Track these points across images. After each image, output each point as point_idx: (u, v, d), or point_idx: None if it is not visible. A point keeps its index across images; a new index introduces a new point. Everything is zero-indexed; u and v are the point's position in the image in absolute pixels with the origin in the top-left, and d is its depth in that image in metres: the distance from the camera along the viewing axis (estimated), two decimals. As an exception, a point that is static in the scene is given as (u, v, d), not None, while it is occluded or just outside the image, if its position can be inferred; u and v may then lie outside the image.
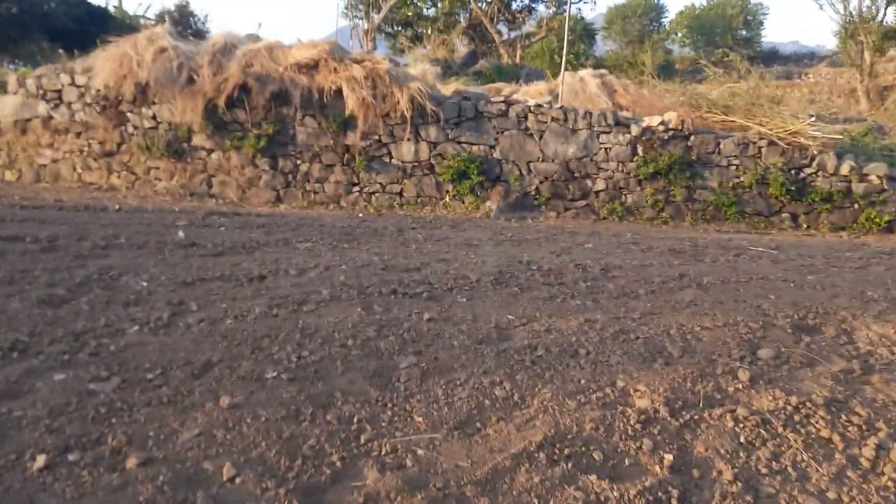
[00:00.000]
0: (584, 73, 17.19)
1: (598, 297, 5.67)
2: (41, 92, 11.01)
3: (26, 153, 11.05)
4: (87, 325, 4.16)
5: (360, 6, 26.72)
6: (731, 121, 12.15)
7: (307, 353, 3.93)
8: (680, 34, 49.90)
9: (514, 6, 29.06)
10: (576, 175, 11.52)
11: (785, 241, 9.34)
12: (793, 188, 11.36)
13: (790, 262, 7.56)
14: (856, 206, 11.34)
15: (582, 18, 33.95)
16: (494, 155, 11.42)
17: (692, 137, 11.53)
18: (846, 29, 34.86)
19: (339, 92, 10.73)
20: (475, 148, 11.38)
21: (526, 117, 11.40)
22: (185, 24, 34.78)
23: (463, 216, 10.77)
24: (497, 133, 11.41)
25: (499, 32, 26.28)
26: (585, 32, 33.56)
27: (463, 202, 11.38)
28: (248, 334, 4.13)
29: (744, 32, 50.04)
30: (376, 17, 20.71)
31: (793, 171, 11.51)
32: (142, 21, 22.66)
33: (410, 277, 5.64)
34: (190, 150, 10.98)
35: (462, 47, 24.96)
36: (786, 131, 11.55)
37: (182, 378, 3.48)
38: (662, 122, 11.52)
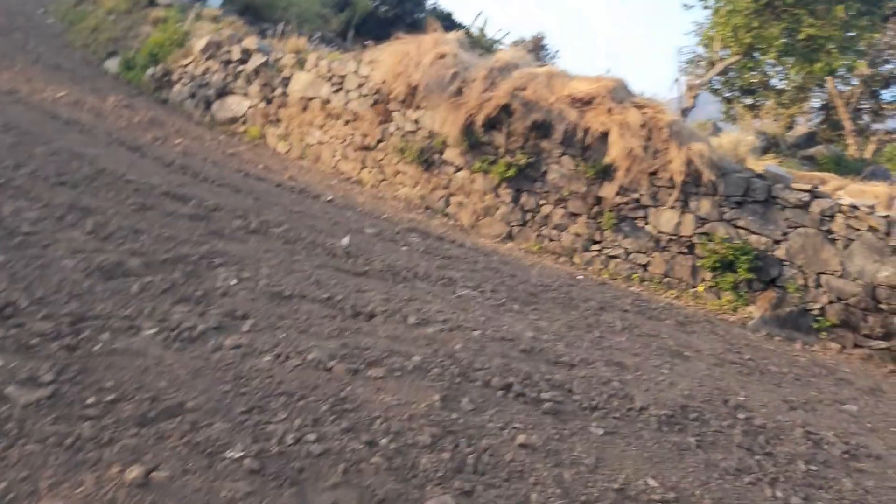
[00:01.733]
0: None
1: (815, 495, 3.72)
2: (330, 75, 11.41)
3: (301, 129, 11.53)
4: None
5: (702, 62, 24.82)
6: None
7: (313, 437, 2.82)
8: None
9: (883, 95, 24.72)
10: (882, 307, 8.77)
11: None
12: None
13: None
14: None
15: None
16: (777, 253, 9.17)
17: None
18: None
19: (606, 135, 9.43)
20: (754, 238, 9.24)
21: (832, 217, 8.97)
22: (535, 55, 35.92)
23: (710, 314, 8.76)
24: (788, 227, 9.14)
25: (853, 120, 22.43)
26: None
27: (719, 297, 9.32)
28: (276, 382, 3.15)
29: None
30: (707, 74, 18.79)
31: None
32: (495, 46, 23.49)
33: (549, 374, 4.21)
34: (440, 162, 10.51)
35: (802, 127, 21.76)
36: None
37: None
38: None
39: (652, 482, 3.32)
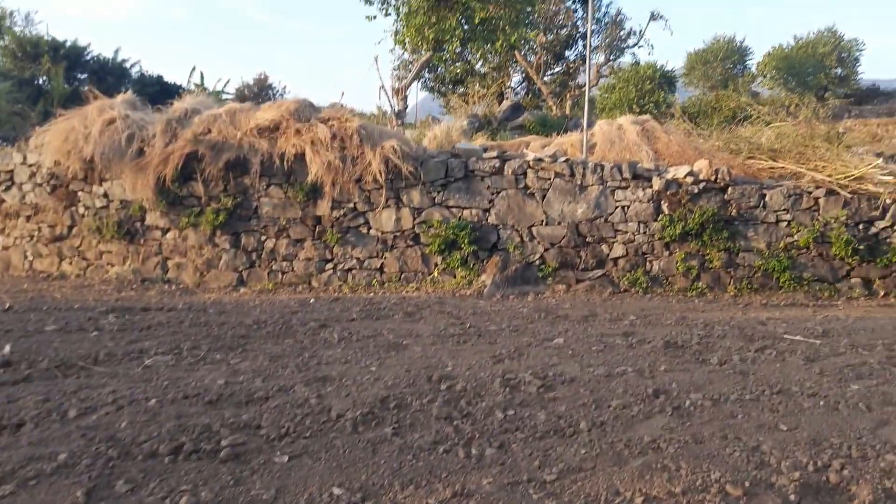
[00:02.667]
0: (623, 119, 15.36)
1: (510, 439, 3.89)
2: (-5, 174, 10.27)
3: (-22, 240, 10.26)
4: None
5: (410, 65, 25.94)
6: (781, 167, 10.06)
7: None
8: (769, 76, 46.94)
9: (568, 55, 27.56)
10: (588, 240, 9.67)
11: (843, 322, 7.15)
12: (862, 247, 9.10)
13: (832, 361, 5.46)
14: (948, 266, 8.95)
15: (661, 66, 31.97)
16: (490, 220, 9.75)
17: (730, 189, 9.50)
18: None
19: (303, 156, 9.43)
20: (466, 212, 9.75)
21: (525, 174, 9.71)
22: (263, 96, 35.29)
23: (446, 295, 9.10)
24: (492, 194, 9.76)
25: (547, 84, 24.77)
26: (664, 79, 31.59)
27: (454, 277, 9.72)
28: None
29: (839, 70, 46.66)
30: (409, 76, 19.64)
31: (861, 226, 9.25)
32: (222, 96, 22.52)
33: (235, 417, 4.02)
34: (143, 230, 9.88)
35: (507, 101, 23.60)
36: (847, 177, 9.36)
37: None
38: (691, 173, 9.57)
39: (337, 490, 3.26)
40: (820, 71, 45.90)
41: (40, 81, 27.23)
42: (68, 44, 28.70)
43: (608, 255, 9.66)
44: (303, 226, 9.77)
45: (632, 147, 13.93)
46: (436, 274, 9.74)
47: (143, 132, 9.65)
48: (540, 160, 9.70)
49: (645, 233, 9.58)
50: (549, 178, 9.67)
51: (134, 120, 9.60)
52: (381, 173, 9.29)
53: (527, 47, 22.58)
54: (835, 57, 46.40)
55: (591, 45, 14.03)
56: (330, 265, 9.80)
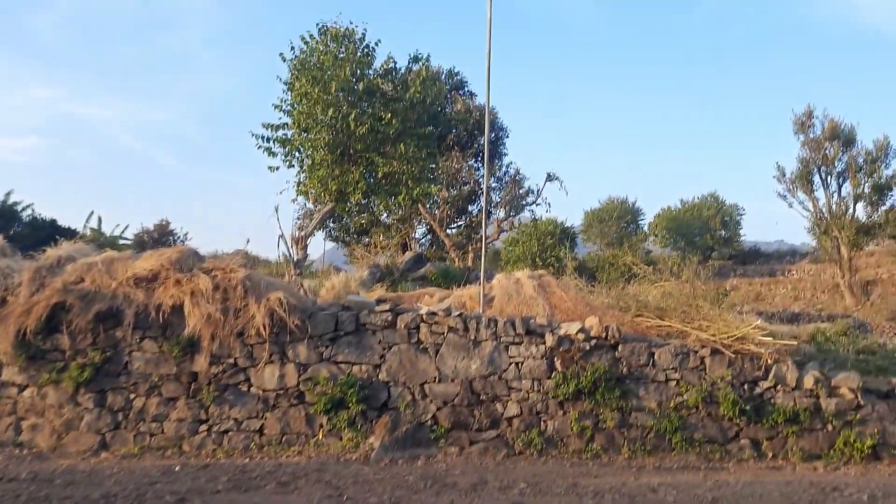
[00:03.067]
0: (521, 274, 15.64)
1: None
2: None
3: None
4: None
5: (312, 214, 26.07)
6: (668, 325, 10.27)
7: None
8: (659, 235, 50.05)
9: (471, 209, 28.60)
10: (482, 398, 9.37)
11: (733, 488, 6.99)
12: (748, 407, 9.18)
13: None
14: (829, 426, 9.11)
15: (561, 223, 33.54)
16: (380, 376, 9.35)
17: (620, 347, 9.55)
18: (818, 226, 34.49)
19: (182, 308, 8.91)
20: (356, 368, 9.33)
21: (418, 328, 9.49)
22: (163, 242, 34.38)
23: (329, 460, 8.46)
24: (384, 349, 9.43)
25: (450, 236, 25.46)
26: (564, 235, 33.08)
27: (341, 439, 9.11)
28: None
29: (722, 233, 50.39)
30: (310, 226, 19.66)
31: (745, 386, 9.40)
32: (119, 242, 21.61)
33: None
34: (-2, 386, 8.94)
35: (410, 252, 23.91)
36: (730, 337, 9.60)
37: None
38: (582, 330, 9.60)
39: None
40: (706, 232, 49.45)
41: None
42: (-48, 184, 27.44)
43: (503, 414, 9.35)
44: (177, 383, 9.06)
45: (529, 301, 14.06)
46: (320, 436, 9.11)
47: (9, 280, 8.95)
48: (433, 314, 9.54)
49: (539, 390, 9.39)
50: (443, 333, 9.47)
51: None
52: (265, 327, 8.85)
53: (430, 201, 23.29)
54: (718, 220, 50.29)
55: (488, 199, 14.47)
56: (204, 426, 9.03)
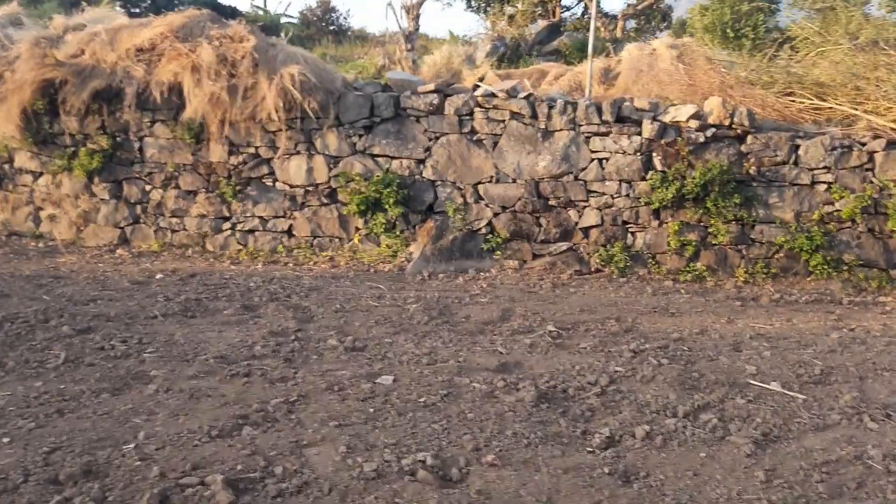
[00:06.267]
0: (658, 42, 12.57)
1: None
2: None
3: None
4: None
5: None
6: (829, 108, 7.38)
7: None
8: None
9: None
10: (551, 203, 7.36)
11: (866, 347, 4.71)
12: (929, 224, 6.50)
13: (803, 447, 3.17)
14: None
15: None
16: (425, 174, 7.56)
17: (749, 139, 6.97)
18: None
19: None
20: (396, 163, 7.58)
21: (471, 114, 7.42)
22: (327, 20, 33.17)
23: (362, 269, 7.09)
24: (430, 140, 7.53)
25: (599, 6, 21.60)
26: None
27: (378, 245, 7.64)
28: None
29: None
30: (422, -10, 17.12)
31: (933, 195, 6.62)
32: (281, 21, 20.71)
33: None
34: (13, 173, 8.18)
35: (544, 21, 20.62)
36: (919, 124, 6.67)
37: None
38: (697, 115, 7.05)
39: None
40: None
41: None
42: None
43: (577, 223, 7.34)
44: (195, 174, 7.85)
45: (663, 78, 11.16)
46: (356, 241, 7.68)
47: (7, 53, 7.85)
48: (492, 96, 7.35)
49: (628, 195, 7.19)
50: (504, 120, 7.34)
51: (-2, 39, 7.82)
52: (277, 110, 7.19)
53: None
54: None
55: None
56: (227, 224, 7.89)
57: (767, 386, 3.85)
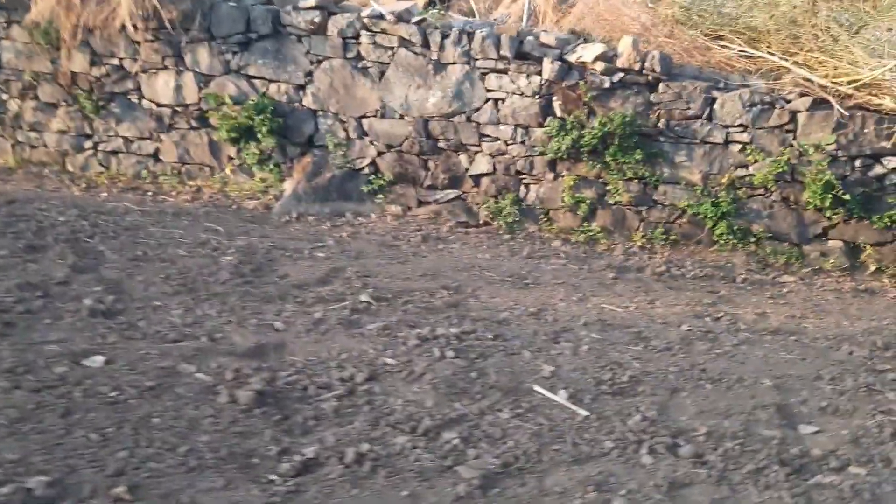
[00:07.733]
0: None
1: None
2: None
3: None
4: None
5: None
6: (759, 57, 6.55)
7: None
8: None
9: None
10: (441, 145, 6.63)
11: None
12: (851, 195, 5.84)
13: None
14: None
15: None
16: (305, 102, 6.78)
17: (660, 87, 6.19)
18: None
19: (35, -15, 6.56)
20: (274, 87, 6.79)
21: (357, 38, 6.57)
22: None
23: (234, 205, 6.43)
24: (311, 64, 6.72)
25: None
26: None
27: (252, 177, 6.95)
28: None
29: None
30: None
31: (857, 163, 5.96)
32: None
33: None
34: None
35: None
36: (851, 82, 5.91)
37: None
38: (603, 56, 6.23)
39: None
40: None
41: None
42: None
43: (467, 170, 6.62)
44: (55, 85, 7.05)
45: (620, 10, 10.21)
46: (228, 171, 6.98)
47: None
48: (380, 17, 6.49)
49: (524, 142, 6.45)
50: (393, 48, 6.51)
51: None
52: (132, 18, 6.35)
53: None
54: None
55: None
56: (90, 143, 7.15)
57: (552, 396, 3.26)
